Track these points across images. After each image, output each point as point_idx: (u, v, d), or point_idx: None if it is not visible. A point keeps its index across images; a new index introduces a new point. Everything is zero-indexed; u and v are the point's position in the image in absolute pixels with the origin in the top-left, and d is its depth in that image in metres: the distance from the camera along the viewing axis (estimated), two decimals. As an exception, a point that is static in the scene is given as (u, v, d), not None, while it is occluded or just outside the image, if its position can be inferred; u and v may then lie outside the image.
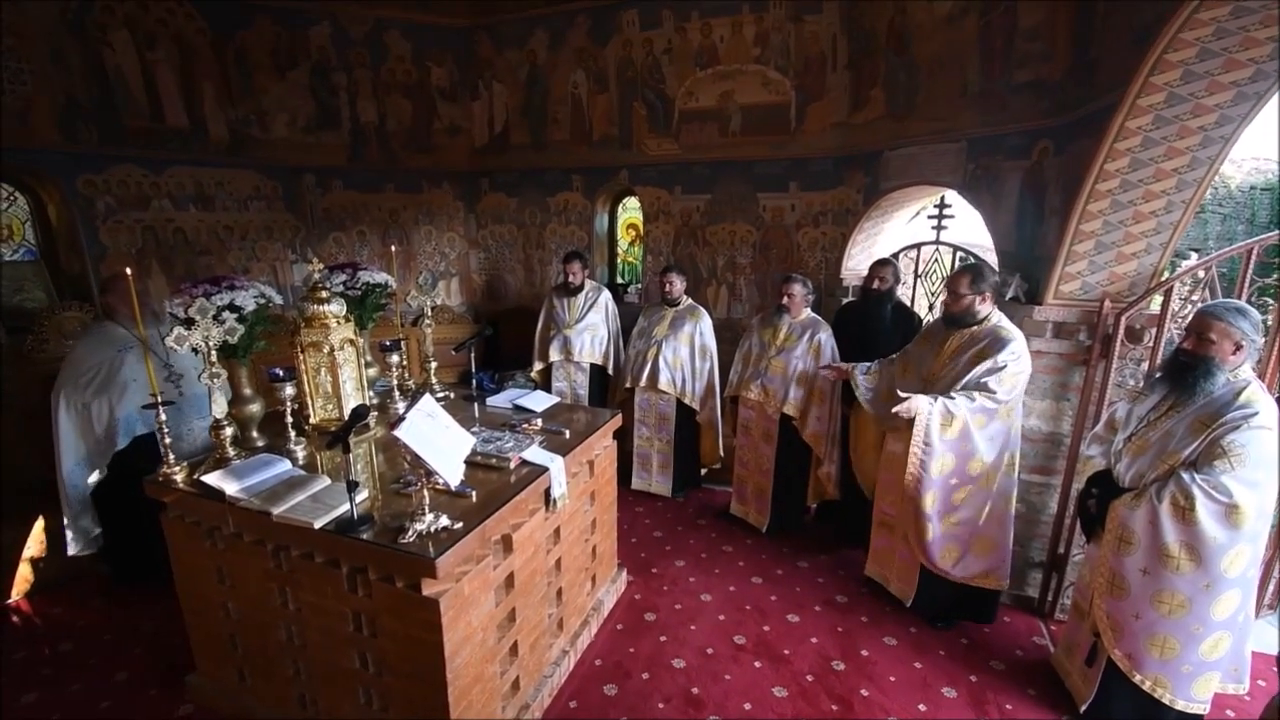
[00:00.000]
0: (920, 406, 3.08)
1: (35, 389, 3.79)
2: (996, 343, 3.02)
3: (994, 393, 2.98)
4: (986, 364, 3.01)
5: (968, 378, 3.05)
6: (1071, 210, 3.02)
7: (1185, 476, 2.30)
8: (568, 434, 3.03)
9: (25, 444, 3.73)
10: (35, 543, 3.53)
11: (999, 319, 3.12)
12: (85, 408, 3.24)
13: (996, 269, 3.69)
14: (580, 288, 4.99)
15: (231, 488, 2.34)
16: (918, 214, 5.14)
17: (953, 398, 3.05)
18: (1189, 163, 2.80)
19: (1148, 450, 2.46)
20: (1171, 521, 2.33)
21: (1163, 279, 3.06)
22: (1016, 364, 2.99)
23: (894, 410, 3.21)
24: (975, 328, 3.13)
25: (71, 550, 3.36)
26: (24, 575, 3.52)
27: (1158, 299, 3.09)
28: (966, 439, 3.07)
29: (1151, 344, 3.09)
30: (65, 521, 3.33)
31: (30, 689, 2.88)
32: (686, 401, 4.63)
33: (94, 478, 3.32)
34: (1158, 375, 2.60)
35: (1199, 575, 2.34)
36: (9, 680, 2.93)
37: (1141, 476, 2.47)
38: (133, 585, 3.57)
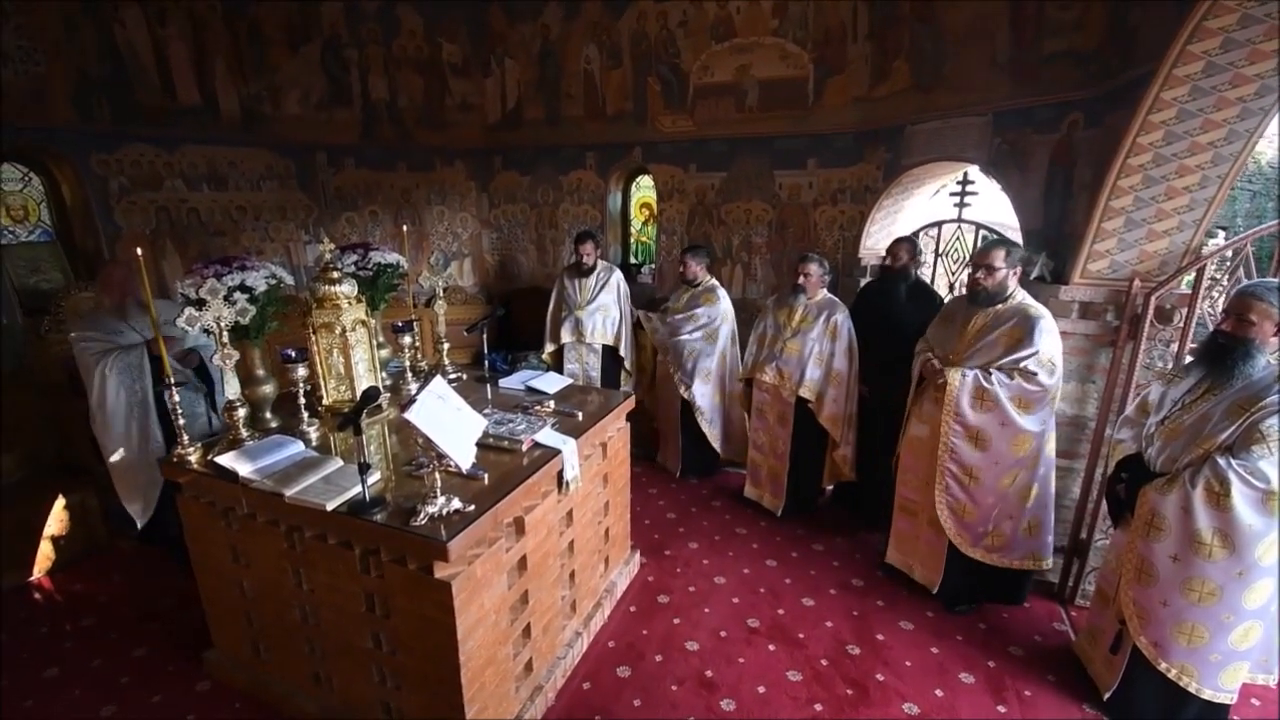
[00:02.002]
0: (953, 378, 3.01)
1: (53, 370, 3.82)
2: (1025, 321, 2.93)
3: (1035, 374, 2.90)
4: (1023, 349, 2.90)
5: (1003, 361, 2.96)
6: (1102, 186, 2.92)
7: (1221, 461, 2.22)
8: (580, 416, 2.99)
9: (43, 424, 3.77)
10: (56, 520, 3.58)
11: (1023, 296, 3.04)
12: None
13: (1022, 246, 3.58)
14: (592, 268, 4.93)
15: (245, 469, 2.33)
16: (939, 191, 5.00)
17: (990, 374, 2.97)
18: (1225, 136, 2.68)
19: (1182, 434, 2.38)
20: (1205, 507, 2.25)
21: (1196, 257, 2.95)
22: (1051, 342, 2.90)
23: (926, 369, 3.14)
24: (1000, 306, 3.04)
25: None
26: (45, 553, 3.57)
27: (1188, 278, 2.98)
28: (1006, 420, 2.98)
29: (1182, 325, 2.98)
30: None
31: (52, 664, 2.93)
32: (675, 381, 4.57)
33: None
34: (1194, 357, 2.51)
35: (1232, 563, 2.27)
36: (32, 655, 2.98)
37: (1174, 461, 2.39)
38: (161, 551, 3.58)
